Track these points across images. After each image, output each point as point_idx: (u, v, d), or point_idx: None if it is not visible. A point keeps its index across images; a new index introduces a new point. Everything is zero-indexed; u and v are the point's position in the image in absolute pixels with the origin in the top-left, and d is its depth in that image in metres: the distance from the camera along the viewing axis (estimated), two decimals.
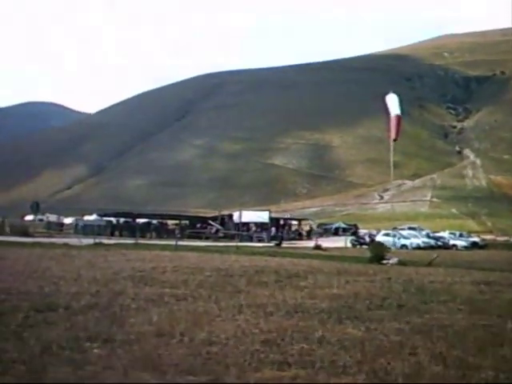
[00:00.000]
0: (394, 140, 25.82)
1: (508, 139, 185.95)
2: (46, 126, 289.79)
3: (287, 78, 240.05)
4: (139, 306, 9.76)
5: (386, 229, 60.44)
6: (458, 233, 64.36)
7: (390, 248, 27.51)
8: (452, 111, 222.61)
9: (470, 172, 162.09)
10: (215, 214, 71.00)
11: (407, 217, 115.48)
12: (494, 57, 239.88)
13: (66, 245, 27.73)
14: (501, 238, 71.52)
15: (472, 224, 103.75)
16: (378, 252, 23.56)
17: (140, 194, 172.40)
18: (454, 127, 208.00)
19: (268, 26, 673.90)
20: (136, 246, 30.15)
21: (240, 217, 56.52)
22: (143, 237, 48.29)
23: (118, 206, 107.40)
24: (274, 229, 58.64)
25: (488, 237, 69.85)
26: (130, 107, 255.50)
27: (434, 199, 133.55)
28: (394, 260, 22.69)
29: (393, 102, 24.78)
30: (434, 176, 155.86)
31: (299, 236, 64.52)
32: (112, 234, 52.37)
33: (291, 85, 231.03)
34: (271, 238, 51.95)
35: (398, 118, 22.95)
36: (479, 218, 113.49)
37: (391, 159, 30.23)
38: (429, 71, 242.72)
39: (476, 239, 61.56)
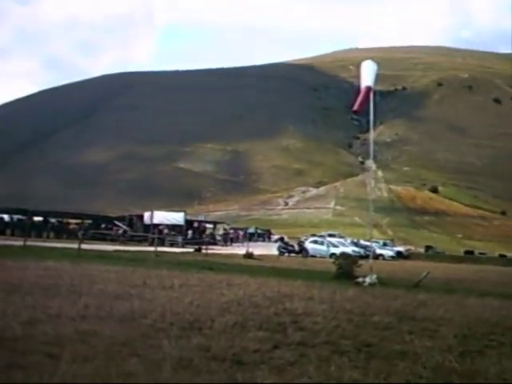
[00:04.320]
0: (354, 112, 22.29)
1: (408, 152, 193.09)
2: None
3: (198, 82, 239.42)
4: None
5: (306, 235, 60.92)
6: (381, 241, 65.40)
7: (361, 260, 21.82)
8: (356, 122, 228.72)
9: (371, 182, 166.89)
10: (123, 213, 68.17)
11: (311, 224, 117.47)
12: (396, 72, 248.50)
13: None
14: (402, 248, 74.32)
15: (374, 233, 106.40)
16: (346, 266, 18.94)
17: (41, 193, 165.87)
18: (358, 138, 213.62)
19: (181, 28, 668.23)
20: (24, 249, 23.39)
21: (151, 218, 51.69)
22: (39, 237, 43.41)
23: (18, 204, 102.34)
24: (190, 232, 55.29)
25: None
26: (32, 104, 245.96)
27: (338, 207, 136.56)
28: (371, 278, 16.84)
29: (367, 70, 21.53)
30: (338, 184, 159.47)
31: (213, 240, 59.00)
32: (3, 233, 47.80)
33: (201, 89, 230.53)
34: (186, 242, 49.50)
35: (368, 89, 20.10)
36: (381, 227, 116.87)
37: (371, 148, 28.80)
38: (334, 82, 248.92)
39: (400, 249, 63.31)
